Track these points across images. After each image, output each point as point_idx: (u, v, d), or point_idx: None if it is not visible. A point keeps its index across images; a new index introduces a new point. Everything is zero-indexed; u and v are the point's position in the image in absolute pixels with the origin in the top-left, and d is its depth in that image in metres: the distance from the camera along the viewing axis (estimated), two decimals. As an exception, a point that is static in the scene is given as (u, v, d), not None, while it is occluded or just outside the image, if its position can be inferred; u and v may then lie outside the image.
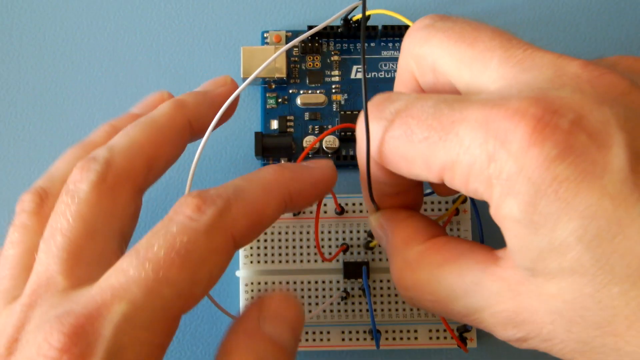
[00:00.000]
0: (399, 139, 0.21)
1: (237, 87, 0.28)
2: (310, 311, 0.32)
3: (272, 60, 0.28)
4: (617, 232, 0.17)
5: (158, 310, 0.21)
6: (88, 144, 0.29)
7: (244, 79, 0.34)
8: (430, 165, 0.20)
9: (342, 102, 0.34)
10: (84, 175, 0.24)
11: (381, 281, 0.32)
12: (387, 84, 0.34)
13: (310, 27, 0.34)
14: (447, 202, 0.32)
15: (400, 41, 0.34)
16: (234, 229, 0.23)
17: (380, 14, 0.33)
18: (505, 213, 0.19)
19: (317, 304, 0.32)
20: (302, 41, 0.35)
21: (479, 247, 0.22)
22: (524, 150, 0.18)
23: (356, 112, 0.33)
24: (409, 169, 0.21)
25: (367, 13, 0.33)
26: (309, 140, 0.33)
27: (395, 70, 0.34)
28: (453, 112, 0.20)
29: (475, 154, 0.19)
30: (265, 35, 0.35)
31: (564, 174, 0.18)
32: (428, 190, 0.30)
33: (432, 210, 0.32)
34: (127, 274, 0.21)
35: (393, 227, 0.25)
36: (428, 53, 0.22)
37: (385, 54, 0.35)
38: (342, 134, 0.33)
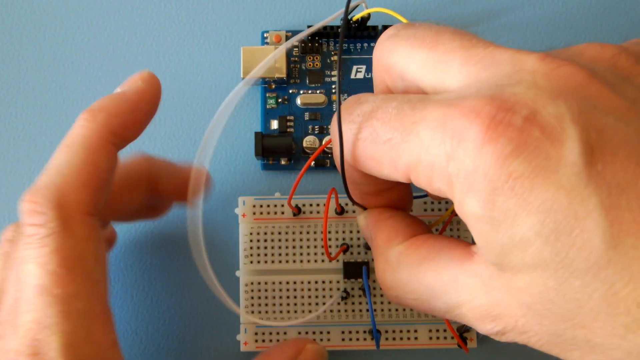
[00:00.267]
0: (366, 140, 0.22)
1: (157, 82, 0.27)
2: (310, 311, 0.32)
3: (270, 59, 0.28)
4: (575, 226, 0.17)
5: (84, 322, 0.23)
6: None
7: (244, 79, 0.34)
8: (397, 166, 0.21)
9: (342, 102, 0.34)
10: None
11: (381, 281, 0.32)
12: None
13: (309, 27, 0.34)
14: (447, 202, 0.32)
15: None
16: (82, 206, 0.24)
17: (380, 12, 0.33)
18: (467, 211, 0.19)
19: (317, 304, 0.32)
20: (302, 41, 0.35)
21: (456, 243, 0.22)
22: (479, 148, 0.18)
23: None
24: (379, 170, 0.22)
25: (367, 11, 0.33)
26: (309, 141, 0.33)
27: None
28: (414, 112, 0.20)
29: (435, 153, 0.19)
30: (265, 35, 0.35)
31: (519, 170, 0.18)
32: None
33: (433, 210, 0.32)
34: (34, 308, 0.23)
35: (376, 228, 0.25)
36: (395, 62, 0.23)
37: None
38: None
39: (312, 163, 0.28)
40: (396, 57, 0.22)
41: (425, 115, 0.20)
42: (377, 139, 0.21)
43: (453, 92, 0.20)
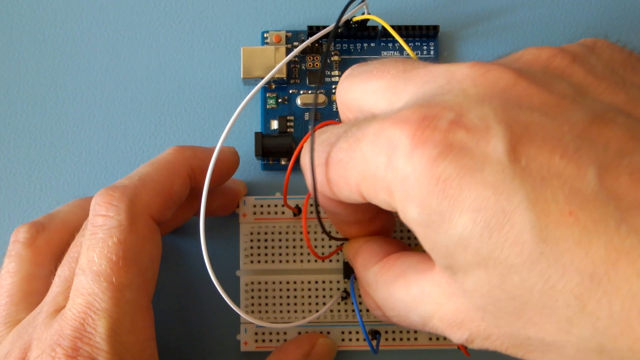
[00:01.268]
0: (322, 166, 0.23)
1: (237, 159, 0.31)
2: (310, 311, 0.31)
3: (279, 67, 0.28)
4: (504, 221, 0.18)
5: (130, 312, 0.25)
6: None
7: (244, 79, 0.34)
8: (350, 185, 0.22)
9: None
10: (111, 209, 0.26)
11: (381, 281, 0.32)
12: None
13: (310, 27, 0.34)
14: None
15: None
16: (150, 210, 0.26)
17: (379, 14, 0.33)
18: (408, 217, 0.20)
19: (317, 303, 0.32)
20: (302, 41, 0.35)
21: (424, 257, 0.23)
22: (409, 154, 0.19)
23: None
24: (339, 193, 0.23)
25: (366, 17, 0.32)
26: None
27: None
28: (359, 131, 0.21)
29: (374, 165, 0.20)
30: (265, 35, 0.35)
31: (447, 172, 0.18)
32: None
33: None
34: (89, 292, 0.24)
35: (355, 255, 0.27)
36: (352, 98, 0.24)
37: (385, 54, 0.35)
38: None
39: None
40: (352, 93, 0.24)
41: (366, 132, 0.21)
42: (331, 162, 0.22)
43: (393, 109, 0.21)
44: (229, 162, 0.30)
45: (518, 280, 0.18)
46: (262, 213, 0.32)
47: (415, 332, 0.32)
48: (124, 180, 0.27)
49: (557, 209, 0.17)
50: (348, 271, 0.32)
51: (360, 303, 0.31)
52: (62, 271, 0.27)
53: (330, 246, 0.32)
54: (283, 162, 0.34)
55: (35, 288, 0.28)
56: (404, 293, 0.23)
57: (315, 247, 0.32)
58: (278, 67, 0.29)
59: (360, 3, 0.31)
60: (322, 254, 0.32)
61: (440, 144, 0.18)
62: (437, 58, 0.34)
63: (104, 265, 0.24)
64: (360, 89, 0.23)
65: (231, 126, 0.27)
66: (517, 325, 0.19)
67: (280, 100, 0.34)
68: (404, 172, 0.19)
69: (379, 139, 0.20)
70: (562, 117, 0.19)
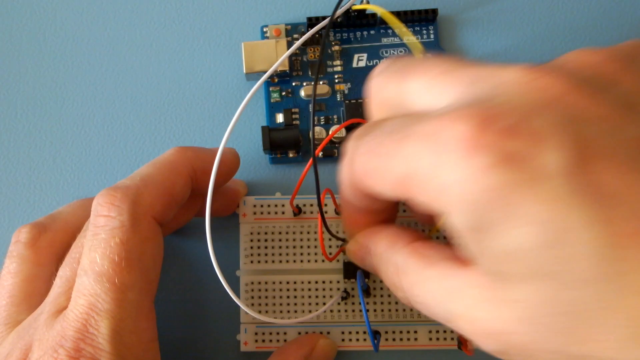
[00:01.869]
0: (362, 155, 0.22)
1: (238, 160, 0.31)
2: (310, 311, 0.31)
3: (282, 61, 0.28)
4: (565, 237, 0.17)
5: (133, 313, 0.24)
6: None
7: (247, 74, 0.34)
8: (386, 181, 0.21)
9: (346, 92, 0.34)
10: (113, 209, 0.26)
11: (381, 281, 0.32)
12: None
13: (309, 19, 0.34)
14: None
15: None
16: (153, 211, 0.26)
17: (379, 3, 0.33)
18: (456, 223, 0.19)
19: (317, 303, 0.32)
20: (302, 33, 0.35)
21: (457, 252, 0.22)
22: (462, 160, 0.18)
23: (361, 101, 0.33)
24: (372, 186, 0.22)
25: (357, 7, 0.32)
26: (315, 132, 0.33)
27: (396, 55, 0.34)
28: (406, 129, 0.21)
29: (420, 167, 0.20)
30: (264, 29, 0.35)
31: (501, 181, 0.18)
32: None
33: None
34: (91, 293, 0.24)
35: (374, 240, 0.26)
36: (388, 95, 0.23)
37: (385, 40, 0.35)
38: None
39: (320, 153, 0.28)
40: (389, 90, 0.23)
41: (414, 130, 0.20)
42: (372, 155, 0.22)
43: (442, 108, 0.21)
44: (230, 163, 0.30)
45: (576, 296, 0.18)
46: (262, 213, 0.32)
47: (416, 332, 0.32)
48: (126, 181, 0.26)
49: (624, 228, 0.17)
50: (348, 271, 0.32)
51: (367, 303, 0.31)
52: (63, 272, 0.27)
53: (330, 246, 0.32)
54: (291, 155, 0.34)
55: (36, 289, 0.28)
56: (435, 284, 0.22)
57: (316, 247, 0.32)
58: (281, 60, 0.29)
59: None
60: (330, 254, 0.32)
61: (497, 150, 0.18)
62: (438, 42, 0.34)
63: (106, 265, 0.24)
64: (400, 86, 0.23)
65: (236, 121, 0.26)
66: (567, 341, 0.18)
67: (284, 93, 0.34)
68: (456, 176, 0.18)
69: (428, 141, 0.19)
70: (618, 131, 0.18)
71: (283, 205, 0.32)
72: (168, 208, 0.27)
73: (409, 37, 0.27)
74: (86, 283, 0.24)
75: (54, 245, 0.29)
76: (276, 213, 0.32)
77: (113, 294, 0.24)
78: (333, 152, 0.34)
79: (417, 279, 0.23)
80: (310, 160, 0.29)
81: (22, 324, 0.26)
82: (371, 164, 0.22)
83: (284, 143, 0.33)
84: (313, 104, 0.29)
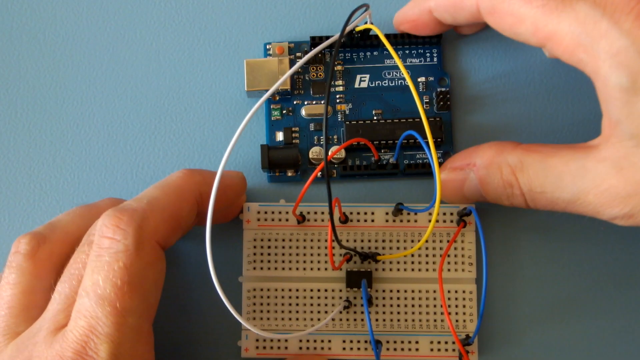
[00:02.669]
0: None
1: (245, 184, 0.31)
2: (312, 319, 0.31)
3: (284, 79, 0.28)
4: None
5: (132, 337, 0.25)
6: (94, 207, 0.31)
7: (248, 92, 0.33)
8: (538, 29, 0.24)
9: (347, 112, 0.34)
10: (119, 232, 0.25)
11: (384, 291, 0.32)
12: (391, 92, 0.34)
13: (312, 38, 0.34)
14: (452, 214, 0.32)
15: (403, 49, 0.35)
16: (157, 236, 0.26)
17: (380, 26, 0.33)
18: (613, 84, 0.22)
19: (319, 312, 0.31)
20: (305, 52, 0.35)
21: (571, 144, 0.25)
22: (635, 27, 0.21)
23: (361, 122, 0.33)
24: (515, 28, 0.25)
25: (360, 28, 0.32)
26: (315, 152, 0.33)
27: (398, 79, 0.34)
28: None
29: (588, 29, 0.22)
30: (267, 47, 0.35)
31: None
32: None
33: (437, 221, 0.32)
34: (92, 315, 0.24)
35: (479, 152, 0.28)
36: None
37: (388, 62, 0.35)
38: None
39: (319, 174, 0.28)
40: None
41: None
42: (531, 1, 0.24)
43: None
44: (236, 187, 0.30)
45: None
46: (265, 220, 0.32)
47: (417, 342, 0.32)
48: (132, 203, 0.26)
49: None
50: (350, 280, 0.31)
51: (375, 305, 0.31)
52: (62, 288, 0.26)
53: (340, 255, 0.32)
54: (289, 174, 0.33)
55: (34, 301, 0.28)
56: (561, 168, 0.25)
57: (319, 254, 0.32)
58: (283, 78, 0.28)
59: (363, 12, 0.31)
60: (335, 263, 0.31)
61: None
62: (441, 65, 0.35)
63: (108, 289, 0.24)
64: None
65: (236, 140, 0.26)
66: None
67: (284, 111, 0.34)
68: (625, 43, 0.21)
69: (602, 6, 0.22)
70: None
71: (287, 213, 0.32)
72: (173, 233, 0.27)
73: (398, 63, 0.27)
74: (87, 305, 0.24)
75: (52, 257, 0.29)
76: (280, 220, 0.32)
77: (114, 318, 0.24)
78: (332, 173, 0.34)
79: (538, 171, 0.25)
80: (318, 167, 0.28)
81: (21, 337, 0.26)
82: (523, 9, 0.24)
83: (282, 162, 0.33)
84: (325, 114, 0.28)
